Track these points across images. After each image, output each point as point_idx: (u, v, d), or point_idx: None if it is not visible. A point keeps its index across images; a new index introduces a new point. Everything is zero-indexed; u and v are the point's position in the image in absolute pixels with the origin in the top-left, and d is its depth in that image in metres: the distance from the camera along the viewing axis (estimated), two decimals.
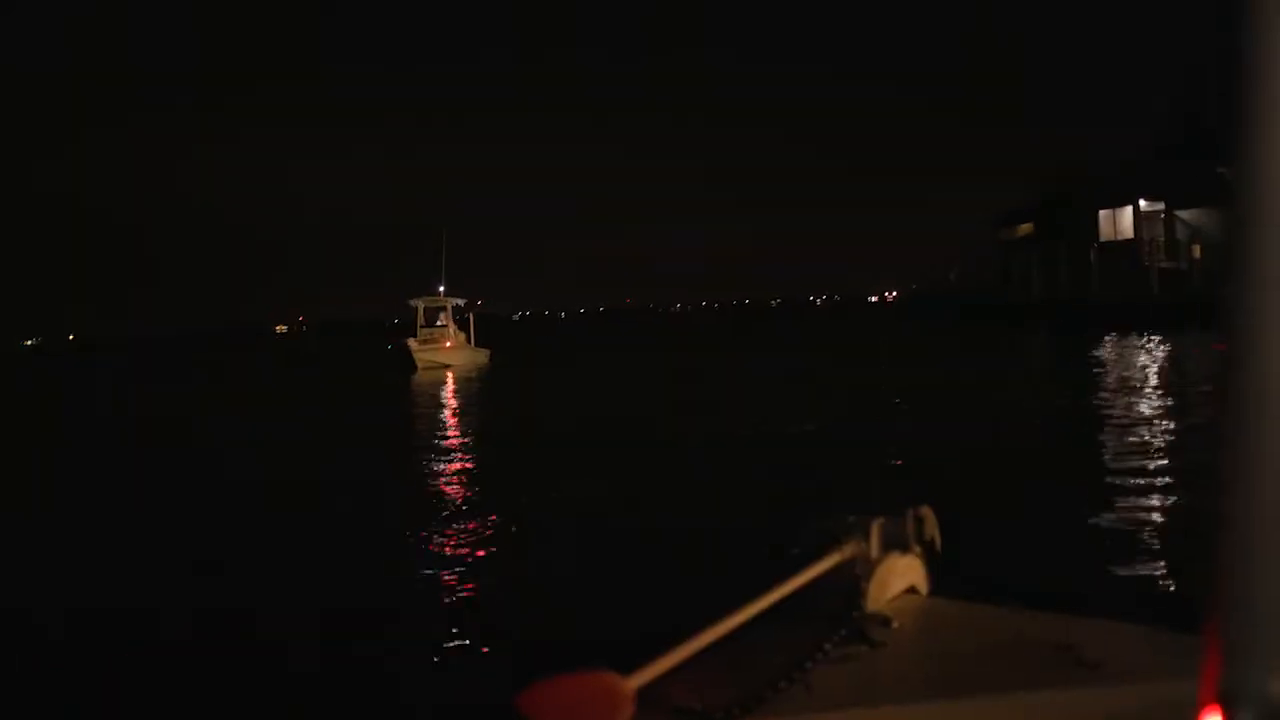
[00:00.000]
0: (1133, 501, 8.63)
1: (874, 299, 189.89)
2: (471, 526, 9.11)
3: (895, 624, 1.53)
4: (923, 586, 1.69)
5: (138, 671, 5.75)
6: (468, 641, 5.98)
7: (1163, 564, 6.78)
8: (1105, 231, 41.54)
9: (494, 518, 9.36)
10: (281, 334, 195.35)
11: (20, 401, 35.84)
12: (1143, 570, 6.69)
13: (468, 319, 38.83)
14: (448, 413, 20.99)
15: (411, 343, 35.35)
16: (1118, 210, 41.40)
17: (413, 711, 5.14)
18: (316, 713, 5.12)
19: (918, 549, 1.66)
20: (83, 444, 18.30)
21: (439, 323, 36.89)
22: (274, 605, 6.97)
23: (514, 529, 8.97)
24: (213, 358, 68.64)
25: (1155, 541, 7.37)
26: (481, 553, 8.13)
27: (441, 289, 39.13)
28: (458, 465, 13.31)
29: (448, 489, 11.36)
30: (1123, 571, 6.63)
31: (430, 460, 13.71)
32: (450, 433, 17.24)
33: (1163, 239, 38.99)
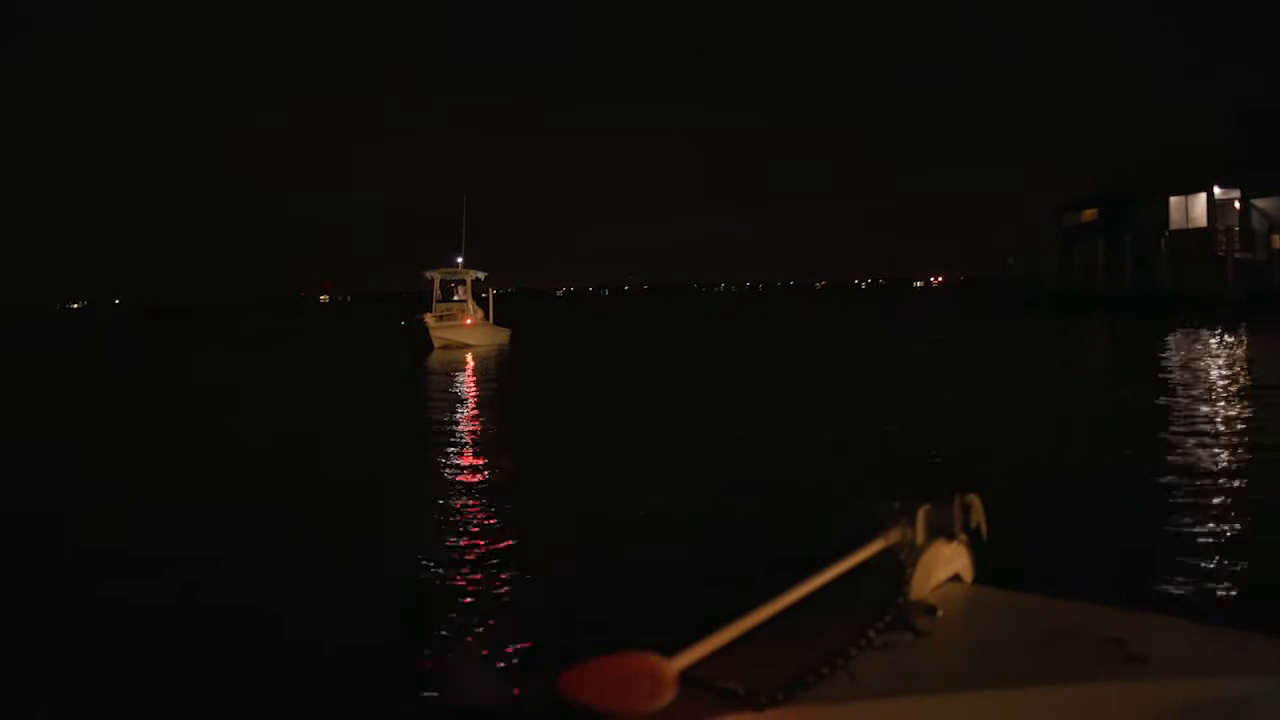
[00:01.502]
0: (1193, 499, 8.39)
1: (919, 284, 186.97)
2: (505, 514, 8.89)
3: (940, 612, 1.49)
4: (968, 575, 1.63)
5: (151, 668, 5.59)
6: (510, 626, 6.01)
7: (1219, 562, 6.67)
8: (1176, 219, 38.97)
9: (529, 506, 9.21)
10: (324, 304, 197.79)
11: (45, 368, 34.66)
12: (1197, 566, 6.56)
13: (487, 295, 35.66)
14: (468, 398, 19.67)
15: (428, 318, 32.40)
16: (1190, 197, 38.73)
17: (458, 695, 5.22)
18: (361, 701, 5.09)
19: (964, 537, 1.59)
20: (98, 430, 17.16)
21: (456, 297, 34.01)
22: (303, 598, 6.82)
23: (550, 516, 8.79)
24: (254, 325, 72.26)
25: (1214, 539, 7.21)
26: (518, 541, 7.91)
27: (460, 260, 35.76)
28: (483, 454, 12.68)
29: (475, 479, 10.87)
30: (1176, 566, 6.51)
31: (453, 452, 12.81)
32: (472, 420, 16.33)
33: (1238, 228, 36.32)
